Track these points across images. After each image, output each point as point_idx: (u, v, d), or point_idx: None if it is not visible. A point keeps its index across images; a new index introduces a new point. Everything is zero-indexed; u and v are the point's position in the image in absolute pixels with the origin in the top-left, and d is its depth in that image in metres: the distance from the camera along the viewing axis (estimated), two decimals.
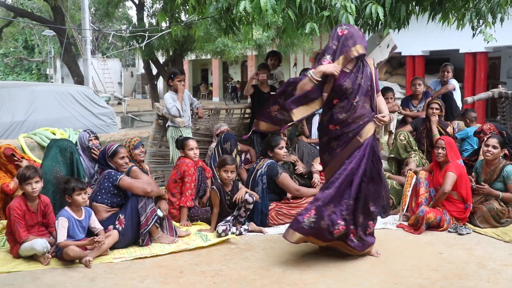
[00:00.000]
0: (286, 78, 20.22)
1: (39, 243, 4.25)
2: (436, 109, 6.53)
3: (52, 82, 32.70)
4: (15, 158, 5.52)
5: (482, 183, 5.41)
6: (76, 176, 5.16)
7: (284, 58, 14.55)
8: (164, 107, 6.67)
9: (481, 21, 6.42)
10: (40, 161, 5.58)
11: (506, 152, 5.72)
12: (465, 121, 7.09)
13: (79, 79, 18.95)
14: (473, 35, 6.73)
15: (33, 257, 4.32)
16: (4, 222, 4.94)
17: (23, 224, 4.39)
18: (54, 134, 6.83)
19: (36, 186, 4.45)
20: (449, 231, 5.14)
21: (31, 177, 4.40)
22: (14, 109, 9.76)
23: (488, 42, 7.02)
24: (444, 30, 7.06)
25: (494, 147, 5.38)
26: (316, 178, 6.01)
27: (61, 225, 4.31)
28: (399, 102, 7.71)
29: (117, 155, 4.90)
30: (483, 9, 6.09)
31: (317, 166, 6.03)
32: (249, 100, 7.78)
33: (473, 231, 5.17)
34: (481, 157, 5.72)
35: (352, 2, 5.15)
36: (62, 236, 4.28)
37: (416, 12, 6.44)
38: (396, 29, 6.34)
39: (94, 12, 24.74)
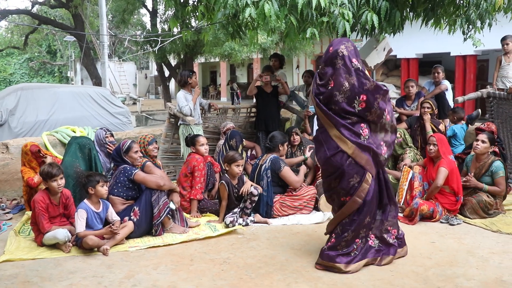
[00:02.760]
0: (289, 79, 20.13)
1: (61, 233, 4.26)
2: (428, 108, 6.51)
3: (72, 84, 32.77)
4: (40, 155, 5.55)
5: (467, 176, 5.39)
6: (94, 170, 5.17)
7: (287, 61, 14.55)
8: (176, 106, 6.68)
9: (470, 27, 6.37)
10: (61, 157, 5.60)
11: (496, 149, 5.69)
12: (453, 118, 7.05)
13: (97, 81, 19.00)
14: (464, 39, 6.69)
15: (55, 246, 4.34)
16: (29, 213, 4.96)
17: (46, 216, 4.41)
18: (74, 132, 6.84)
19: (61, 182, 4.49)
20: (441, 222, 5.12)
21: (56, 175, 4.44)
22: (38, 109, 9.81)
23: (476, 46, 6.97)
24: (436, 35, 7.02)
25: (483, 141, 5.38)
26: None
27: (80, 217, 4.32)
28: (394, 102, 7.68)
29: (131, 150, 4.91)
30: (473, 15, 6.05)
31: None
32: (254, 99, 7.77)
33: (463, 221, 5.14)
34: (472, 152, 5.69)
35: (349, 10, 5.12)
36: (81, 227, 4.29)
37: (410, 17, 6.40)
38: (392, 34, 6.30)
39: (111, 19, 24.77)
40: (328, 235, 4.10)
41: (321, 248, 4.02)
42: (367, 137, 3.78)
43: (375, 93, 3.72)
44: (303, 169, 5.83)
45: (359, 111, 3.74)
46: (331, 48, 3.83)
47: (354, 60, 3.76)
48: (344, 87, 3.72)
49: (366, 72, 3.82)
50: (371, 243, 3.97)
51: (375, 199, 3.90)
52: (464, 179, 5.40)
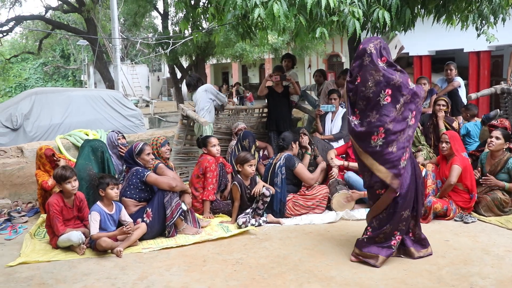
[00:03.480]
0: (301, 79, 20.06)
1: (75, 235, 4.31)
2: (443, 105, 6.45)
3: (86, 87, 33.06)
4: (55, 158, 5.62)
5: (487, 175, 5.32)
6: (107, 173, 5.22)
7: (299, 60, 14.58)
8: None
9: (483, 22, 6.30)
10: (75, 160, 5.66)
11: (511, 146, 5.61)
12: (466, 116, 6.96)
13: (110, 84, 19.14)
14: (477, 35, 6.62)
15: (70, 248, 4.39)
16: (44, 216, 5.02)
17: (60, 218, 4.46)
18: (87, 135, 6.90)
19: (75, 184, 4.55)
20: (455, 220, 5.08)
21: (70, 177, 4.49)
22: (52, 113, 9.92)
23: (490, 42, 6.89)
24: (448, 31, 6.95)
25: (497, 138, 5.32)
26: (335, 171, 5.96)
27: (94, 219, 4.36)
28: None
29: (144, 152, 4.94)
30: (485, 10, 5.98)
31: (336, 161, 6.00)
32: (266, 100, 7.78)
33: (477, 219, 5.09)
34: (487, 149, 5.62)
35: (360, 8, 5.09)
36: (94, 229, 4.33)
37: (422, 14, 6.35)
38: (403, 31, 6.26)
39: (123, 22, 24.93)
40: None
41: (357, 239, 4.12)
42: (379, 142, 3.83)
43: (402, 90, 3.80)
44: (321, 167, 5.84)
45: (384, 105, 3.80)
46: (360, 46, 3.95)
47: (382, 57, 3.88)
48: (369, 82, 3.82)
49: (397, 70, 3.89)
50: (411, 235, 4.10)
51: (411, 193, 3.96)
52: (483, 178, 5.33)
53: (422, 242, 4.14)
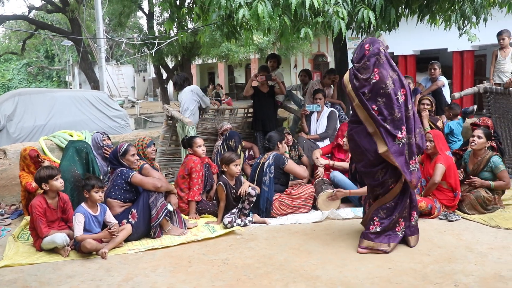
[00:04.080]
0: (287, 79, 20.16)
1: (59, 237, 4.27)
2: (427, 104, 6.52)
3: (71, 88, 32.77)
4: (39, 159, 5.56)
5: (471, 176, 5.39)
6: (92, 174, 5.17)
7: (285, 60, 14.59)
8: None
9: (466, 22, 6.38)
10: (59, 161, 5.60)
11: (493, 144, 5.69)
12: (449, 115, 7.04)
13: (96, 85, 19.00)
14: (459, 35, 6.70)
15: (54, 250, 4.35)
16: (28, 218, 4.96)
17: (44, 220, 4.41)
18: (72, 136, 6.86)
19: (62, 181, 4.54)
20: (440, 218, 5.12)
21: (57, 174, 4.48)
22: (36, 114, 9.84)
23: (472, 41, 6.97)
24: (433, 31, 7.03)
25: (479, 137, 5.39)
26: (320, 171, 5.99)
27: (78, 221, 4.32)
28: None
29: (128, 153, 4.90)
30: (467, 10, 6.06)
31: (322, 160, 6.04)
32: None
33: (461, 217, 5.14)
34: (469, 148, 5.69)
35: (344, 8, 5.12)
36: (79, 231, 4.29)
37: (406, 14, 6.41)
38: (387, 31, 6.31)
39: (108, 22, 24.76)
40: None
41: (363, 232, 4.29)
42: (403, 140, 4.03)
43: (409, 92, 4.10)
44: (304, 163, 5.92)
45: (401, 103, 4.02)
46: (367, 46, 4.12)
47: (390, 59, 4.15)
48: (390, 79, 4.02)
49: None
50: (412, 220, 4.34)
51: None
52: (468, 180, 5.40)
53: (415, 229, 4.40)
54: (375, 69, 4.03)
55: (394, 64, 4.11)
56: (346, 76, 4.19)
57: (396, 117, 4.00)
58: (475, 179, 5.36)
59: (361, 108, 4.07)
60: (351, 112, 4.41)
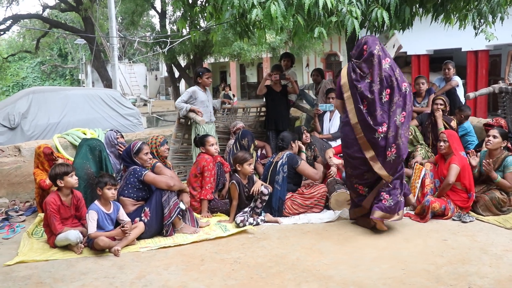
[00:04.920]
0: (299, 78, 20.20)
1: (73, 234, 4.30)
2: (441, 104, 6.45)
3: (83, 86, 33.03)
4: (53, 157, 5.61)
5: (489, 162, 5.30)
6: (105, 171, 5.20)
7: (297, 60, 14.51)
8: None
9: (482, 21, 6.30)
10: (72, 159, 5.64)
11: (509, 145, 5.62)
12: (459, 117, 6.94)
13: (108, 83, 19.12)
14: (476, 34, 6.62)
15: (67, 247, 4.38)
16: (42, 215, 5.01)
17: (58, 217, 4.45)
18: (85, 134, 6.89)
19: (76, 178, 4.57)
20: (453, 219, 5.08)
21: (71, 171, 4.53)
22: (49, 112, 9.91)
23: (489, 40, 6.89)
24: (447, 30, 6.95)
25: (494, 136, 5.33)
26: (333, 170, 5.98)
27: (91, 218, 4.36)
28: None
29: (142, 151, 4.93)
30: (484, 9, 5.98)
31: (335, 159, 6.02)
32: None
33: (476, 219, 5.09)
34: (484, 148, 5.63)
35: (358, 8, 5.09)
36: (92, 228, 4.33)
37: (420, 13, 6.35)
38: (401, 30, 6.26)
39: (120, 21, 24.90)
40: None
41: (374, 206, 4.63)
42: (382, 135, 4.50)
43: (398, 91, 4.53)
44: (319, 166, 5.87)
45: (384, 103, 4.52)
46: (365, 46, 4.59)
47: (386, 58, 4.58)
48: (378, 81, 4.51)
49: (397, 70, 4.63)
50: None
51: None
52: (486, 161, 5.32)
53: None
54: (370, 70, 4.54)
55: (383, 63, 4.53)
56: (345, 70, 4.70)
57: (378, 114, 4.48)
58: (489, 164, 5.28)
59: (351, 100, 4.60)
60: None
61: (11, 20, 20.46)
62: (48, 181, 5.33)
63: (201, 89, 6.70)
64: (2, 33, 21.68)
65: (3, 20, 20.20)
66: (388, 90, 4.50)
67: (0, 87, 35.41)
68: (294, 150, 5.73)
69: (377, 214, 4.61)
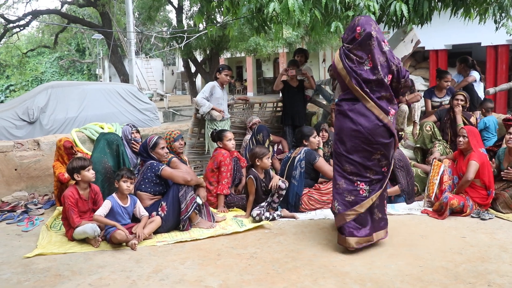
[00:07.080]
0: (315, 73, 20.00)
1: (90, 228, 4.33)
2: (461, 100, 6.36)
3: (101, 81, 33.31)
4: (73, 151, 5.66)
5: (509, 168, 5.23)
6: (122, 166, 5.24)
7: (313, 55, 14.47)
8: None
9: (503, 15, 6.18)
10: (90, 153, 5.69)
11: None
12: (482, 111, 6.86)
13: (125, 78, 19.24)
14: (496, 28, 6.49)
15: (85, 240, 4.42)
16: (60, 208, 5.07)
17: (76, 210, 4.49)
18: (102, 128, 6.94)
19: (93, 172, 4.62)
20: (472, 216, 5.01)
21: (89, 165, 4.58)
22: (67, 106, 10.00)
23: (510, 35, 6.75)
24: (466, 25, 6.83)
25: None
26: None
27: (104, 205, 4.44)
28: (422, 93, 7.52)
29: (158, 146, 4.94)
30: (506, 2, 5.86)
31: None
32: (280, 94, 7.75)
33: (495, 216, 5.01)
34: (504, 145, 5.53)
35: (376, 2, 5.03)
36: (100, 211, 4.39)
37: (439, 8, 6.25)
38: (420, 25, 6.17)
39: (137, 16, 25.02)
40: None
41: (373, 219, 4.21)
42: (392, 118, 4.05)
43: (400, 78, 4.09)
44: None
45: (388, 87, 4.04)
46: (359, 28, 3.98)
47: (384, 40, 4.05)
48: (379, 66, 3.95)
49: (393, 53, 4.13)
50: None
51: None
52: (505, 171, 5.24)
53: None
54: (368, 55, 3.97)
55: (383, 46, 4.00)
56: (337, 55, 4.10)
57: (388, 96, 4.02)
58: (511, 171, 5.20)
59: (355, 87, 3.99)
60: (340, 92, 4.34)
61: (31, 16, 20.67)
62: (66, 175, 5.38)
63: (218, 85, 6.68)
64: (22, 28, 21.93)
65: (23, 15, 20.43)
66: (390, 76, 4.03)
67: (19, 81, 35.86)
68: (311, 145, 5.69)
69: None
